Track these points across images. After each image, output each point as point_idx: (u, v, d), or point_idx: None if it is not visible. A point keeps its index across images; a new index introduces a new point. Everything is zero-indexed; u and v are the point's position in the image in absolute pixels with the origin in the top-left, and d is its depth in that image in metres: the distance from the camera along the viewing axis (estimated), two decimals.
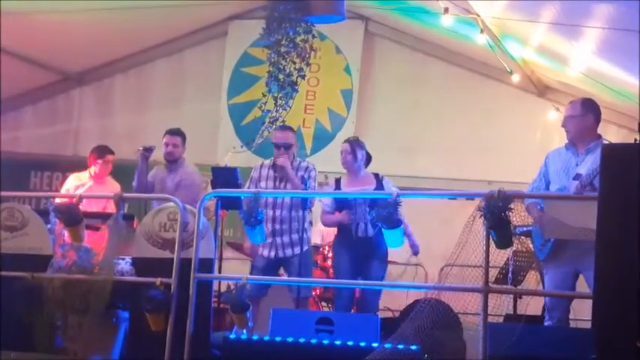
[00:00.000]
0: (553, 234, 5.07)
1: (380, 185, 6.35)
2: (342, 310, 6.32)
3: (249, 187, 6.49)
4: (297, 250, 6.32)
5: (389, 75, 9.81)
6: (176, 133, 7.11)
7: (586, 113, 5.35)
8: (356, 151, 6.42)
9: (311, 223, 6.67)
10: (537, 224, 5.28)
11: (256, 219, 5.55)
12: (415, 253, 7.51)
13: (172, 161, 7.07)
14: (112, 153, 7.62)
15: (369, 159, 6.58)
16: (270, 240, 6.35)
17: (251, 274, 6.50)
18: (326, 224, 6.77)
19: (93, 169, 7.54)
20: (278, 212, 6.38)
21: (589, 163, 5.13)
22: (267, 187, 6.44)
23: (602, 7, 6.03)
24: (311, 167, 6.54)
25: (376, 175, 6.46)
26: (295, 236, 6.32)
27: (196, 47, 10.34)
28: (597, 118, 5.40)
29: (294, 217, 6.32)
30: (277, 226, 6.37)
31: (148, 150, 6.95)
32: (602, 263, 3.44)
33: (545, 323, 5.33)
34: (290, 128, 6.74)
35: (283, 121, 7.21)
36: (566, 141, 5.45)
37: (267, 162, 6.60)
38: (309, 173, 6.46)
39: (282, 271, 6.66)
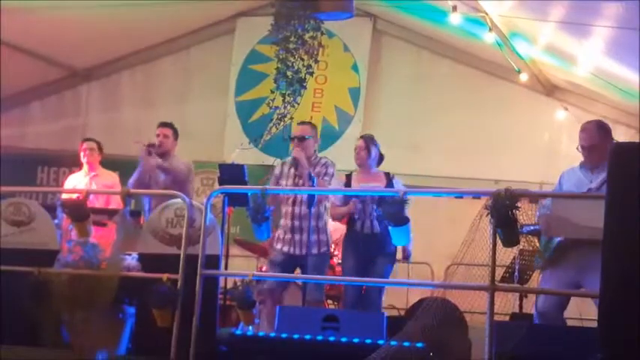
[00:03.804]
0: (559, 233, 5.06)
1: (390, 184, 6.34)
2: (349, 307, 6.30)
3: (270, 184, 6.49)
4: (314, 250, 6.27)
5: (396, 73, 9.79)
6: (166, 125, 7.03)
7: (605, 138, 5.28)
8: (370, 148, 6.41)
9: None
10: (543, 225, 5.24)
11: (263, 216, 5.55)
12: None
13: (162, 154, 6.88)
14: (94, 141, 7.67)
15: (381, 158, 6.56)
16: (289, 236, 6.32)
17: (269, 268, 6.53)
18: (334, 218, 6.73)
19: (86, 167, 7.62)
20: (297, 209, 6.34)
21: (601, 178, 5.09)
22: (287, 184, 6.41)
23: (611, 6, 6.01)
24: (329, 163, 6.48)
25: (387, 174, 6.45)
26: (314, 237, 6.27)
27: (204, 44, 10.34)
28: (611, 138, 5.34)
29: (313, 215, 6.25)
30: (297, 223, 6.32)
31: (152, 146, 6.83)
32: (609, 262, 3.43)
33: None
34: (309, 123, 6.75)
35: (291, 118, 7.20)
36: (581, 159, 5.38)
37: (289, 159, 6.56)
38: (327, 169, 6.42)
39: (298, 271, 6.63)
